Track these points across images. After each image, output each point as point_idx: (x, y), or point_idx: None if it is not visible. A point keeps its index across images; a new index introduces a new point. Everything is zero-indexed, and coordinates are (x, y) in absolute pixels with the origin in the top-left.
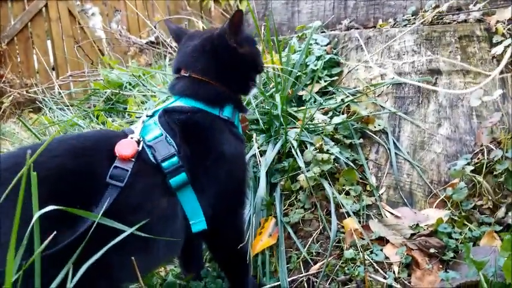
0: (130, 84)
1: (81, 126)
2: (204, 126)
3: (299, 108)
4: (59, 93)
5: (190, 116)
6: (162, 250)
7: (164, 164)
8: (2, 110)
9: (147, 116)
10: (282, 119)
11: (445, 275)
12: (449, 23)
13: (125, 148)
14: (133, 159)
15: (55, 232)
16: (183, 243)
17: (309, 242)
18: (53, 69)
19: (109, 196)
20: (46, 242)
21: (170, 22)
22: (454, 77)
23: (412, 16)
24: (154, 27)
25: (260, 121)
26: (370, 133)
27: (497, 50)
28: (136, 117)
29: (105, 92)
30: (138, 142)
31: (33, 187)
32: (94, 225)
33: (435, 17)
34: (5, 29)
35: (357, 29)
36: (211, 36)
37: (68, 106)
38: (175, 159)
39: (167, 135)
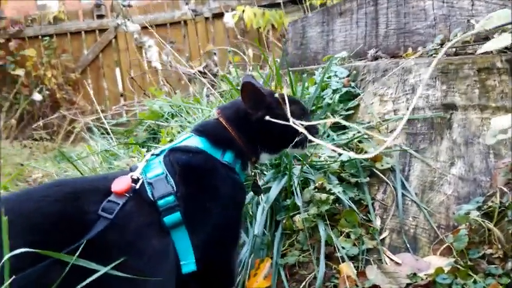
0: (172, 115)
1: (120, 155)
2: (202, 168)
3: (310, 143)
4: (116, 122)
5: (191, 157)
6: None
7: (160, 202)
8: (74, 135)
9: (153, 155)
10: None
11: None
12: (471, 54)
13: (120, 184)
14: (126, 195)
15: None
16: (174, 284)
17: (301, 287)
18: (121, 95)
19: (97, 227)
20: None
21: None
22: (471, 113)
23: (439, 45)
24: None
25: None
26: (378, 172)
27: None
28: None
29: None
30: (137, 180)
31: (4, 232)
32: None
33: (458, 48)
34: (78, 60)
35: (383, 58)
36: None
37: (112, 135)
38: (171, 198)
39: (168, 174)
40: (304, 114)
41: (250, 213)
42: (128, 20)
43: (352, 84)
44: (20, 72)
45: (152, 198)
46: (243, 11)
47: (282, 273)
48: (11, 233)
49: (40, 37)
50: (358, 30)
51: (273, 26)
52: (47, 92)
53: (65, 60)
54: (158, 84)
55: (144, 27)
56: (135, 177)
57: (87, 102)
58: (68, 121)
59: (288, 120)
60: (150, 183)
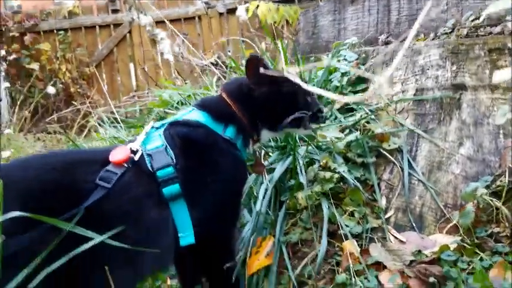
0: (182, 103)
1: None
2: (203, 141)
3: (318, 126)
4: (125, 110)
5: (192, 130)
6: (150, 261)
7: (159, 173)
8: (88, 128)
9: (152, 127)
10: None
11: None
12: (483, 36)
13: (118, 154)
14: (125, 165)
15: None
16: (173, 255)
17: (302, 264)
18: (135, 91)
19: (95, 196)
20: None
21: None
22: (481, 93)
23: (450, 30)
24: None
25: (278, 139)
26: (385, 152)
27: None
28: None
29: (161, 111)
30: (136, 151)
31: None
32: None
33: (471, 30)
34: (93, 54)
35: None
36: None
37: (121, 124)
38: (170, 169)
39: (168, 146)
40: (309, 93)
41: (255, 194)
42: (141, 12)
43: (362, 67)
44: (35, 66)
45: (151, 169)
46: (257, 6)
47: (285, 250)
48: (7, 199)
49: (55, 31)
50: (370, 17)
51: (287, 21)
52: (61, 86)
53: (80, 55)
54: (170, 76)
55: (158, 22)
56: (134, 149)
57: (101, 97)
58: (82, 115)
59: (291, 97)
60: (149, 155)
